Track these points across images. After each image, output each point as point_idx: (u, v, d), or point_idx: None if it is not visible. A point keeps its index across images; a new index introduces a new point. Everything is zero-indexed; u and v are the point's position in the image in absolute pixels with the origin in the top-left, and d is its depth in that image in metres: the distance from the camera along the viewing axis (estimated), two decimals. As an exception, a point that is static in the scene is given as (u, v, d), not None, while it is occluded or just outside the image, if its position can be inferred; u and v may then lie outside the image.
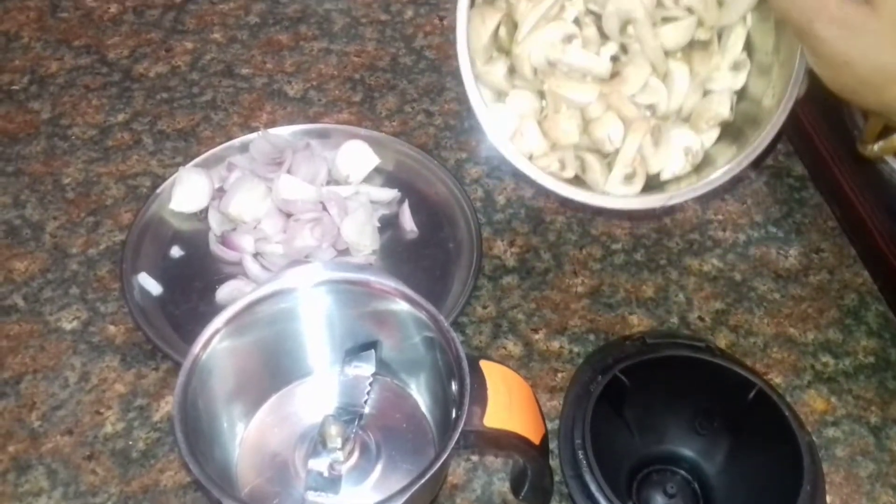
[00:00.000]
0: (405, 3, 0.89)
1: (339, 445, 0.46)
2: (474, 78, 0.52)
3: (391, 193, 0.70)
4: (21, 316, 0.63)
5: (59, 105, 0.78)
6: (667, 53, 0.55)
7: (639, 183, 0.56)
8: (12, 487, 0.54)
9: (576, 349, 0.62)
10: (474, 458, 0.56)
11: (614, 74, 0.55)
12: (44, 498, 0.54)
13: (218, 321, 0.46)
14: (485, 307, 0.64)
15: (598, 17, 0.54)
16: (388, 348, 0.51)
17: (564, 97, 0.54)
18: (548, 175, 0.54)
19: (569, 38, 0.54)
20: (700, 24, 0.54)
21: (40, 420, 0.58)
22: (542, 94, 0.56)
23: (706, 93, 0.56)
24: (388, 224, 0.68)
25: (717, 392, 0.53)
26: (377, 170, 0.71)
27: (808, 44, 0.46)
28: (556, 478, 0.52)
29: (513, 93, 0.56)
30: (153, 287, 0.64)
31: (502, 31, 0.55)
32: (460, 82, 0.80)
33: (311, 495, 0.45)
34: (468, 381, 0.44)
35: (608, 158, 0.56)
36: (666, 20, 0.54)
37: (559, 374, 0.60)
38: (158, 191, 0.68)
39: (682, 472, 0.54)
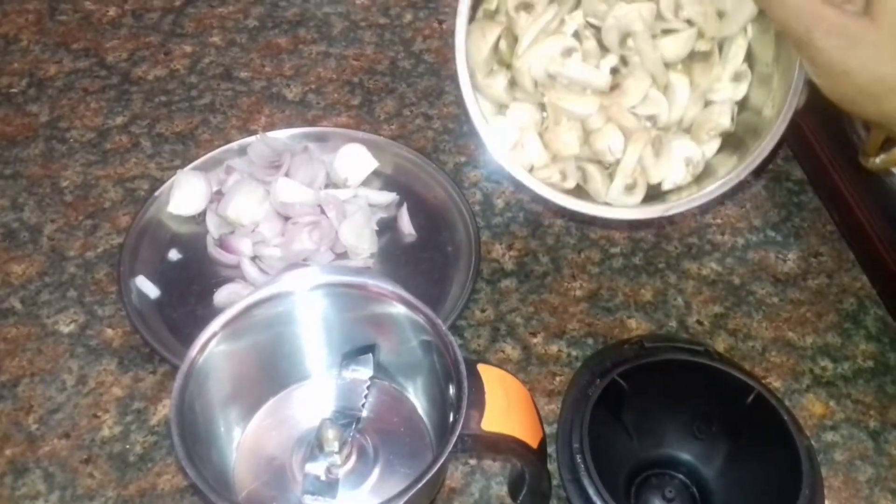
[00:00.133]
0: (404, 7, 0.89)
1: (336, 449, 0.46)
2: (474, 91, 0.52)
3: (389, 197, 0.69)
4: (18, 319, 0.63)
5: (57, 108, 0.78)
6: (667, 65, 0.55)
7: (640, 193, 0.56)
8: (9, 491, 0.54)
9: (574, 353, 0.62)
10: (472, 461, 0.56)
11: (614, 86, 0.55)
12: (41, 501, 0.54)
13: (215, 325, 0.46)
14: (483, 311, 0.64)
15: (597, 31, 0.54)
16: (386, 352, 0.51)
17: (565, 109, 0.55)
18: (548, 186, 0.54)
19: (568, 52, 0.54)
20: (700, 35, 0.54)
21: (37, 423, 0.57)
22: (542, 107, 0.56)
23: (707, 104, 0.56)
24: (387, 227, 0.68)
25: (716, 396, 0.53)
26: (375, 173, 0.71)
27: (806, 54, 0.46)
28: (555, 482, 0.52)
29: (513, 105, 0.56)
30: (151, 290, 0.63)
31: (503, 45, 0.55)
32: (458, 86, 0.81)
33: (308, 499, 0.45)
34: (466, 384, 0.44)
35: (609, 169, 0.56)
36: (666, 32, 0.54)
37: (557, 378, 0.60)
38: (156, 194, 0.68)
39: (681, 476, 0.54)
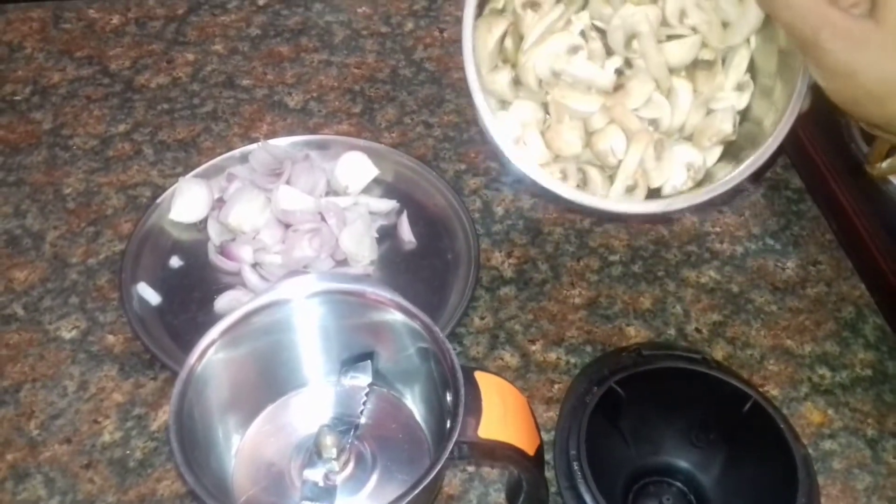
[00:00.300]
0: (405, 16, 0.90)
1: (334, 455, 0.47)
2: (480, 82, 0.52)
3: (390, 204, 0.70)
4: (21, 325, 0.63)
5: (60, 115, 0.79)
6: (671, 71, 0.55)
7: (640, 196, 0.56)
8: (10, 496, 0.55)
9: (573, 360, 0.62)
10: (470, 468, 0.56)
11: (618, 87, 0.55)
12: (41, 507, 0.54)
13: (214, 332, 0.46)
14: (482, 318, 0.64)
15: (603, 34, 0.55)
16: (384, 359, 0.51)
17: (568, 107, 0.55)
18: (549, 176, 0.54)
19: (574, 49, 0.54)
20: (704, 44, 0.55)
21: (39, 428, 0.58)
22: (545, 107, 0.57)
23: (709, 112, 0.57)
24: (387, 235, 0.69)
25: (713, 404, 0.53)
26: (376, 181, 0.72)
27: (812, 56, 0.47)
28: (552, 489, 0.52)
29: (517, 102, 0.56)
30: (152, 297, 0.64)
31: (508, 43, 0.55)
32: (460, 94, 0.81)
33: (306, 505, 0.45)
34: (463, 391, 0.44)
35: (609, 172, 0.57)
36: (670, 38, 0.54)
37: (556, 386, 0.61)
38: (158, 201, 0.69)
39: (678, 483, 0.54)
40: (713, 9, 0.54)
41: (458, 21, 0.89)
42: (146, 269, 0.65)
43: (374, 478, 0.48)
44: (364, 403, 0.49)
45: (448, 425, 0.44)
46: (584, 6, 0.55)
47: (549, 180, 0.54)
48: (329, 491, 0.46)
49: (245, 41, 0.87)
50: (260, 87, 0.82)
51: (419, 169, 0.72)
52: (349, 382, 0.50)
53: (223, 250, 0.66)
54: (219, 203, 0.68)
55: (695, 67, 0.56)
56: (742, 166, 0.53)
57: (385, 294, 0.48)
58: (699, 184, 0.57)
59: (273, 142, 0.73)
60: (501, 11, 0.56)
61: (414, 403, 0.52)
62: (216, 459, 0.48)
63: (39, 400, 0.59)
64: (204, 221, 0.68)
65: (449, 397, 0.45)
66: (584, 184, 0.57)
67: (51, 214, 0.71)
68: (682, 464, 0.55)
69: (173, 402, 0.44)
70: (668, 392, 0.54)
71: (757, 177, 0.74)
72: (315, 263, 0.65)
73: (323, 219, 0.66)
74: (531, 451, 0.46)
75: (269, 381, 0.51)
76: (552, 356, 0.62)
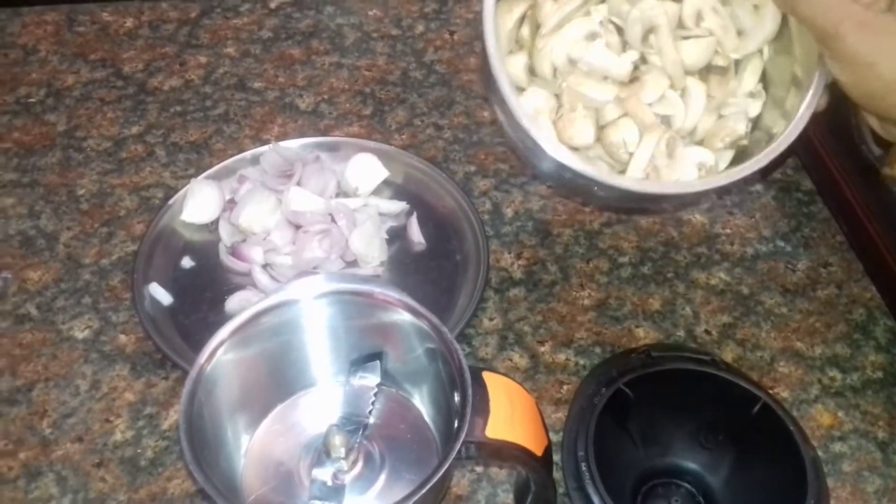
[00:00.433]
0: (416, 18, 0.90)
1: (343, 455, 0.47)
2: (501, 59, 0.51)
3: (400, 206, 0.70)
4: (34, 325, 0.64)
5: (74, 117, 0.80)
6: (685, 72, 0.55)
7: None
8: (23, 494, 0.55)
9: (582, 361, 0.62)
10: (479, 469, 0.57)
11: (633, 80, 0.55)
12: (53, 505, 0.55)
13: (223, 332, 0.47)
14: (491, 319, 0.65)
15: (620, 31, 0.55)
16: (392, 359, 0.51)
17: (583, 95, 0.54)
18: (569, 152, 0.52)
19: (592, 36, 0.54)
20: (719, 50, 0.55)
21: (51, 427, 0.58)
22: (557, 98, 0.57)
23: (720, 117, 0.57)
24: (397, 236, 0.69)
25: (722, 406, 0.53)
26: (386, 182, 0.72)
27: (832, 47, 0.47)
28: (560, 490, 0.52)
29: (530, 89, 0.56)
30: (164, 297, 0.64)
31: (524, 31, 0.55)
32: (470, 96, 0.82)
33: (314, 504, 0.45)
34: (470, 392, 0.45)
35: (619, 168, 0.56)
36: (687, 39, 0.54)
37: (565, 387, 0.61)
38: (171, 202, 0.69)
39: (687, 485, 0.54)
40: (729, 15, 0.54)
41: (469, 24, 0.90)
42: (158, 270, 0.66)
43: (383, 477, 0.49)
44: (373, 403, 0.49)
45: (456, 425, 0.44)
46: (604, 0, 0.55)
47: (571, 157, 0.51)
48: (338, 490, 0.46)
49: (257, 44, 0.87)
50: (271, 90, 0.83)
51: (429, 171, 0.72)
52: (358, 382, 0.50)
53: (234, 251, 0.67)
54: (230, 204, 0.69)
55: (708, 72, 0.56)
56: (759, 156, 0.52)
57: (393, 294, 0.49)
58: None
59: (284, 144, 0.73)
60: None
61: (422, 403, 0.52)
62: (226, 458, 0.49)
63: (52, 399, 0.60)
64: (215, 222, 0.69)
65: (457, 397, 0.45)
66: None
67: (64, 215, 0.71)
68: (691, 465, 0.55)
69: (183, 401, 0.45)
70: (677, 393, 0.54)
71: (766, 173, 0.74)
72: (325, 264, 0.65)
73: (333, 220, 0.67)
74: (539, 452, 0.46)
75: (278, 380, 0.52)
76: (561, 357, 0.62)
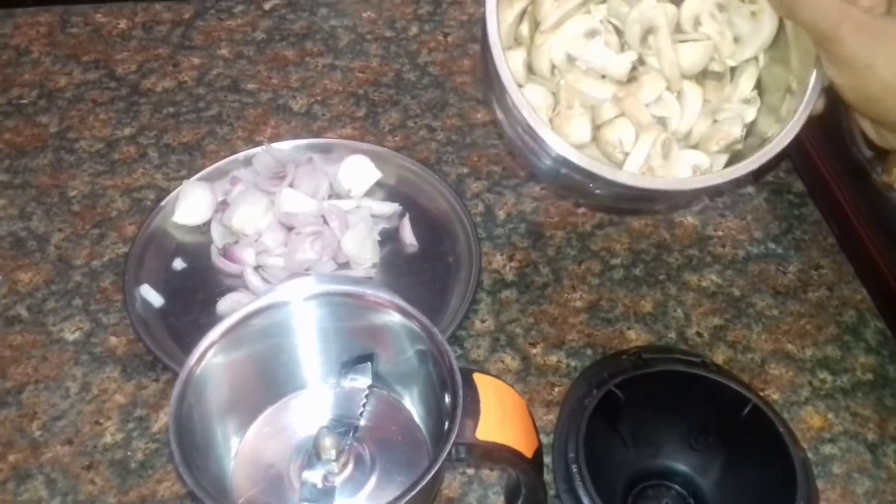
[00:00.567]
0: (410, 20, 0.90)
1: (333, 457, 0.47)
2: (503, 51, 0.50)
3: (392, 207, 0.70)
4: (24, 326, 0.64)
5: (66, 119, 0.80)
6: (682, 75, 0.55)
7: None
8: (12, 496, 0.55)
9: (573, 363, 0.62)
10: (470, 471, 0.57)
11: (631, 80, 0.55)
12: (43, 507, 0.55)
13: (213, 334, 0.47)
14: (483, 321, 0.65)
15: (619, 32, 0.55)
16: (384, 361, 0.51)
17: (580, 92, 0.55)
18: (569, 146, 0.52)
19: (592, 34, 0.54)
20: (715, 55, 0.55)
21: (41, 430, 0.58)
22: (555, 96, 0.57)
23: (715, 122, 0.57)
24: (389, 238, 0.69)
25: (713, 407, 0.53)
26: (379, 184, 0.72)
27: (830, 49, 0.48)
28: (551, 492, 0.52)
29: (528, 86, 0.56)
30: (155, 299, 0.64)
31: (524, 28, 0.56)
32: (463, 98, 0.82)
33: (304, 507, 0.45)
34: (461, 393, 0.45)
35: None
36: (685, 42, 0.55)
37: (556, 389, 0.61)
38: (162, 204, 0.69)
39: (677, 486, 0.54)
40: (726, 21, 0.54)
41: (462, 26, 0.90)
42: (150, 272, 0.66)
43: (373, 479, 0.49)
44: (363, 405, 0.49)
45: (446, 427, 0.44)
46: (603, 0, 0.55)
47: (572, 151, 0.51)
48: (328, 492, 0.46)
49: (250, 45, 0.87)
50: (265, 91, 0.83)
51: (422, 172, 0.72)
52: (349, 384, 0.50)
53: (226, 253, 0.66)
54: (222, 206, 0.69)
55: (704, 77, 0.56)
56: (754, 156, 0.52)
57: (384, 296, 0.49)
58: None
59: (277, 145, 0.73)
60: None
61: (413, 405, 0.52)
62: (216, 461, 0.49)
63: (42, 401, 0.60)
64: (207, 224, 0.69)
65: (447, 399, 0.45)
66: None
67: (56, 217, 0.71)
68: (681, 467, 0.55)
69: (173, 403, 0.45)
70: (668, 395, 0.54)
71: (759, 175, 0.74)
72: (317, 266, 0.65)
73: (325, 222, 0.67)
74: (529, 454, 0.46)
75: (268, 382, 0.52)
76: (553, 359, 0.62)
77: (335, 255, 0.66)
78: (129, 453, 0.57)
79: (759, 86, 0.57)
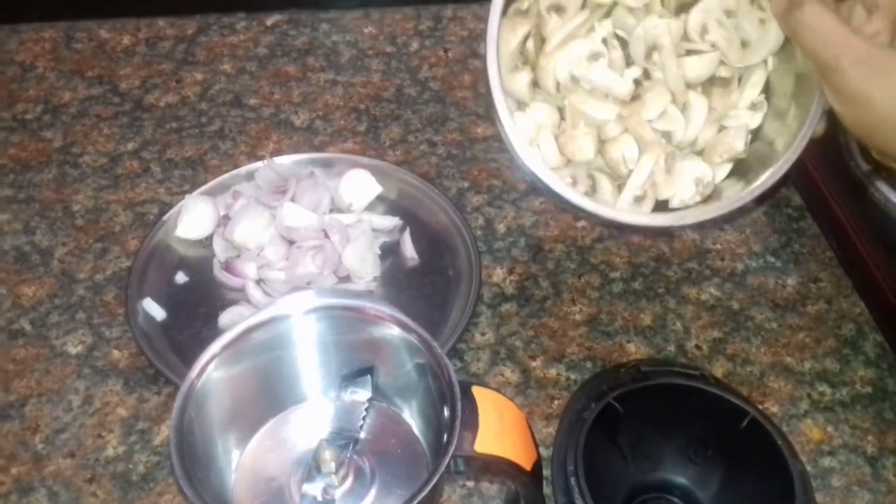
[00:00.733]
0: (411, 36, 0.91)
1: (333, 470, 0.47)
2: (501, 82, 0.52)
3: (393, 221, 0.71)
4: (28, 340, 0.64)
5: (70, 134, 0.80)
6: (688, 85, 0.56)
7: (648, 206, 0.57)
8: (14, 509, 0.55)
9: (573, 376, 0.62)
10: (470, 484, 0.57)
11: (635, 97, 0.56)
12: (45, 520, 0.55)
13: (214, 347, 0.47)
14: (483, 334, 0.65)
15: (624, 44, 0.55)
16: (383, 374, 0.51)
17: (584, 113, 0.55)
18: (560, 180, 0.54)
19: (595, 56, 0.55)
20: (723, 61, 0.55)
21: (43, 443, 0.59)
22: (561, 112, 0.57)
23: (721, 129, 0.57)
24: (389, 251, 0.69)
25: (711, 420, 0.53)
26: (379, 198, 0.72)
27: (831, 80, 0.48)
28: (550, 505, 0.52)
29: (534, 104, 0.57)
30: (157, 312, 0.65)
31: (529, 45, 0.56)
32: (463, 112, 0.82)
33: (304, 519, 0.45)
34: (459, 406, 0.45)
35: (619, 181, 0.57)
36: (690, 53, 0.55)
37: (556, 402, 0.61)
38: (165, 218, 0.70)
39: (676, 499, 0.55)
40: (734, 27, 0.55)
41: (463, 41, 0.91)
42: (152, 285, 0.66)
43: (373, 492, 0.49)
44: (363, 418, 0.49)
45: (445, 440, 0.44)
46: (609, 14, 0.56)
47: (559, 184, 0.53)
48: (328, 505, 0.46)
49: (253, 61, 0.88)
50: (267, 106, 0.83)
51: (422, 186, 0.73)
52: (349, 397, 0.50)
53: (228, 266, 0.67)
54: (224, 220, 0.69)
55: (711, 84, 0.56)
56: (752, 186, 0.54)
57: (383, 309, 0.49)
58: (707, 199, 0.57)
59: (278, 160, 0.74)
60: (526, 13, 0.56)
61: (412, 418, 0.52)
62: (216, 474, 0.49)
63: (45, 414, 0.60)
64: (209, 238, 0.69)
65: (446, 412, 0.46)
66: (593, 190, 0.57)
67: (59, 231, 0.72)
68: (680, 480, 0.55)
69: (174, 416, 0.45)
70: (667, 408, 0.54)
71: (763, 199, 0.75)
72: (318, 280, 0.66)
73: (326, 236, 0.67)
74: (528, 467, 0.46)
75: (269, 396, 0.52)
76: (552, 372, 0.63)
77: (336, 268, 0.66)
78: (130, 466, 0.57)
79: (766, 89, 0.57)
